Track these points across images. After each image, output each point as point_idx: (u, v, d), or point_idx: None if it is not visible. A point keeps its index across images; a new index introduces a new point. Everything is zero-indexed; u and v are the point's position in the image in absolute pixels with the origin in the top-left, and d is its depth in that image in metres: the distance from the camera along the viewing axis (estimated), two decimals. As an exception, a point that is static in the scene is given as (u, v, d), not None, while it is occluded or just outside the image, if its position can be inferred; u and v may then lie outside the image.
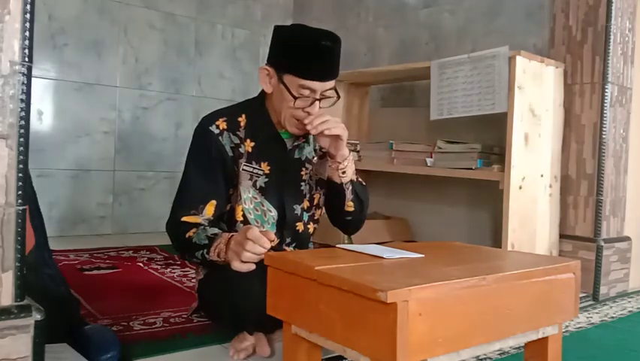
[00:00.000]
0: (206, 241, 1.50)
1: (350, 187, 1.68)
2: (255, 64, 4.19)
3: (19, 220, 1.13)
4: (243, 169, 1.63)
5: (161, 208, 3.76)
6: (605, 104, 2.47)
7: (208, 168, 1.61)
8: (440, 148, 2.64)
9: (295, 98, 1.54)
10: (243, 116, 1.65)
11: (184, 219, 1.57)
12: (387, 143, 2.92)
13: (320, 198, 1.79)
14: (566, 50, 2.59)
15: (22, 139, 1.12)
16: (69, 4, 3.38)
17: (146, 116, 3.70)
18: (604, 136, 2.47)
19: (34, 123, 3.23)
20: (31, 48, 1.13)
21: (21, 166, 1.12)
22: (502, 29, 2.97)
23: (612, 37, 2.46)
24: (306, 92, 1.55)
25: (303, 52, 1.54)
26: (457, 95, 2.47)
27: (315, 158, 1.76)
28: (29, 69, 1.13)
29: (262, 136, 1.65)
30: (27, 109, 1.13)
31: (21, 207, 1.13)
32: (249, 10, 4.17)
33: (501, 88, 2.29)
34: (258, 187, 1.65)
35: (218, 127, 1.62)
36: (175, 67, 3.81)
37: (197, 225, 1.57)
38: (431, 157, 2.71)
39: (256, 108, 1.67)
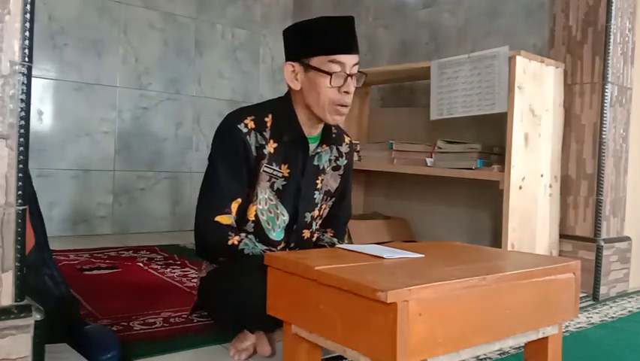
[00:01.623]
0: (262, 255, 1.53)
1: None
2: (255, 64, 4.19)
3: (19, 220, 1.13)
4: (263, 170, 1.61)
5: (161, 208, 3.77)
6: (605, 104, 2.47)
7: (236, 167, 1.59)
8: (440, 148, 2.63)
9: (330, 74, 1.53)
10: (270, 116, 1.63)
11: (217, 219, 1.56)
12: (387, 143, 2.92)
13: (325, 209, 1.79)
14: (566, 50, 2.59)
15: (22, 139, 1.12)
16: (69, 4, 3.38)
17: (146, 116, 3.70)
18: (604, 136, 2.47)
19: (34, 123, 3.23)
20: (31, 48, 1.13)
21: (21, 166, 1.12)
22: (502, 29, 2.97)
23: (612, 37, 2.46)
24: (338, 68, 1.54)
25: (326, 31, 1.55)
26: (457, 95, 2.47)
27: (329, 168, 1.76)
28: (29, 69, 1.13)
29: (287, 138, 1.63)
30: (27, 109, 1.13)
31: (21, 207, 1.13)
32: (249, 10, 4.17)
33: (501, 88, 2.29)
34: (275, 189, 1.64)
35: (246, 126, 1.59)
36: (175, 67, 3.81)
37: (230, 227, 1.57)
38: (431, 157, 2.70)
39: (283, 108, 1.64)
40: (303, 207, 1.69)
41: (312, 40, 1.56)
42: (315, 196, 1.72)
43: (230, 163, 1.59)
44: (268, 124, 1.62)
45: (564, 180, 2.58)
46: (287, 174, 1.64)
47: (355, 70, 1.59)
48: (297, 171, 1.66)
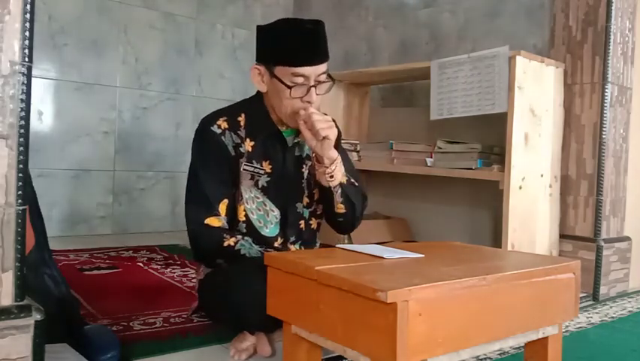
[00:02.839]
0: (260, 255, 1.54)
1: (339, 190, 1.63)
2: (255, 64, 4.18)
3: (19, 220, 1.13)
4: (243, 169, 1.62)
5: (161, 208, 3.77)
6: (605, 104, 2.47)
7: (216, 168, 1.60)
8: (440, 148, 2.63)
9: (290, 87, 1.53)
10: (243, 115, 1.65)
11: (207, 221, 1.57)
12: (387, 143, 2.92)
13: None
14: (566, 50, 2.59)
15: (22, 139, 1.12)
16: (69, 4, 3.37)
17: (146, 116, 3.70)
18: (604, 136, 2.47)
19: (34, 123, 3.23)
20: (31, 48, 1.13)
21: (21, 166, 1.12)
22: (502, 29, 2.97)
23: (612, 37, 2.46)
24: (300, 80, 1.53)
25: (288, 40, 1.53)
26: (457, 95, 2.47)
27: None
28: (29, 69, 1.13)
29: (262, 135, 1.64)
30: (27, 109, 1.13)
31: (21, 207, 1.13)
32: (249, 10, 4.16)
33: (501, 88, 2.29)
34: (260, 187, 1.65)
35: (219, 127, 1.61)
36: (175, 67, 3.81)
37: (223, 229, 1.58)
38: (431, 157, 2.70)
39: (255, 107, 1.66)
40: (292, 198, 1.70)
41: (275, 49, 1.55)
42: (302, 185, 1.72)
43: (210, 166, 1.60)
44: (242, 123, 1.63)
45: (564, 180, 2.58)
46: (269, 170, 1.65)
47: (322, 78, 1.57)
48: (278, 165, 1.66)
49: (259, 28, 1.62)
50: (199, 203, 1.60)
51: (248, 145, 1.63)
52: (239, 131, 1.63)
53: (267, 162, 1.65)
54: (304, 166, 1.72)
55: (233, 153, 1.61)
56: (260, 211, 1.66)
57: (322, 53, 1.57)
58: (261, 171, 1.64)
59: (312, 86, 1.55)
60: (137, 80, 3.65)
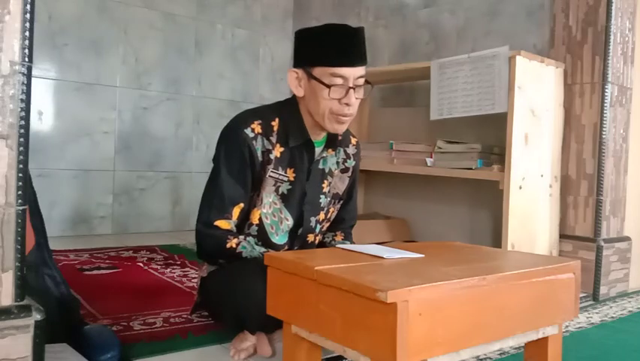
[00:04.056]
0: (261, 257, 1.53)
1: None
2: (255, 64, 4.19)
3: (19, 220, 1.13)
4: (269, 175, 1.61)
5: (161, 208, 3.77)
6: (605, 104, 2.47)
7: (239, 171, 1.58)
8: (440, 148, 2.63)
9: (329, 86, 1.52)
10: (277, 120, 1.62)
11: (217, 223, 1.57)
12: (387, 143, 2.92)
13: (334, 212, 1.79)
14: (566, 50, 2.59)
15: (22, 139, 1.12)
16: (69, 4, 3.38)
17: (146, 116, 3.70)
18: (604, 136, 2.47)
19: (34, 123, 3.23)
20: (31, 48, 1.13)
21: (21, 166, 1.12)
22: (502, 29, 2.97)
23: (612, 37, 2.46)
24: (339, 81, 1.53)
25: (329, 41, 1.53)
26: (457, 95, 2.47)
27: (337, 170, 1.75)
28: (29, 69, 1.13)
29: (293, 142, 1.62)
30: (27, 109, 1.13)
31: (21, 207, 1.13)
32: (249, 10, 4.16)
33: (501, 88, 2.29)
34: (280, 193, 1.64)
35: (253, 130, 1.58)
36: (175, 67, 3.81)
37: (229, 232, 1.57)
38: (431, 157, 2.70)
39: (290, 113, 1.63)
40: (309, 211, 1.69)
41: (315, 50, 1.55)
42: (320, 200, 1.71)
43: (234, 167, 1.58)
44: (275, 128, 1.61)
45: (564, 180, 2.58)
46: (292, 179, 1.64)
47: (360, 82, 1.57)
48: (302, 175, 1.65)
49: (298, 32, 1.61)
50: (214, 203, 1.58)
51: (277, 151, 1.61)
52: (271, 137, 1.60)
53: (292, 170, 1.64)
54: (325, 181, 1.72)
55: (260, 159, 1.59)
56: (275, 218, 1.65)
57: (361, 56, 1.58)
58: (285, 178, 1.63)
59: (351, 87, 1.54)
60: (137, 80, 3.65)
